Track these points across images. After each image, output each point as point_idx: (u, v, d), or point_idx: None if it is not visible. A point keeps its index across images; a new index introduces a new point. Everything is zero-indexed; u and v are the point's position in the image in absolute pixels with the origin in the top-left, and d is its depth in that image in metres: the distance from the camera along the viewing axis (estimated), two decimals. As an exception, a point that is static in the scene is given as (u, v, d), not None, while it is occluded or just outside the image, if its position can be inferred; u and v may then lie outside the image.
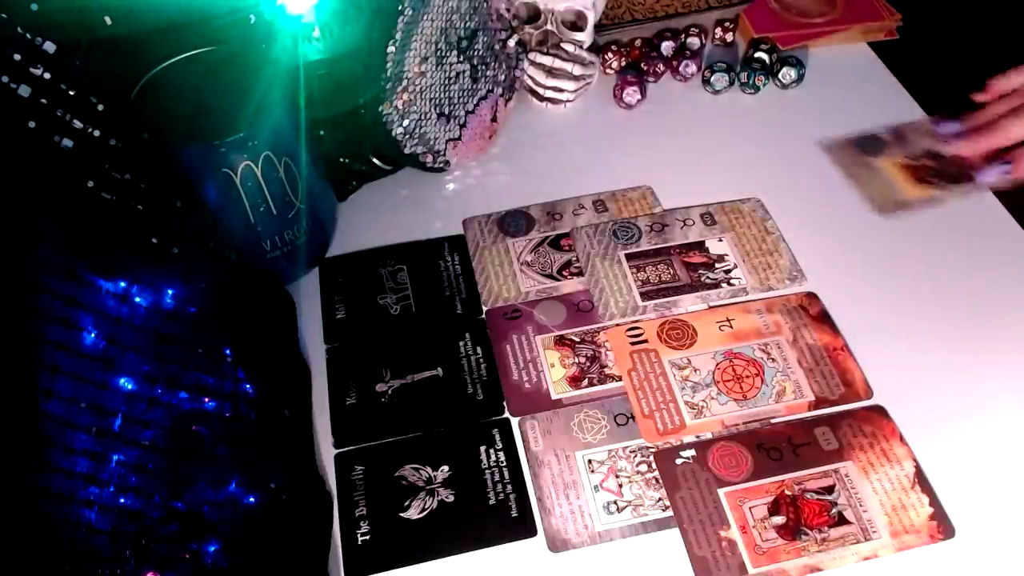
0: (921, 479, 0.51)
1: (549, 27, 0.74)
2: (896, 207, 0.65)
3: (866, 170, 0.67)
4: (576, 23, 0.75)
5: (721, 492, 0.51)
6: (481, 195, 0.69)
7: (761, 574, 0.48)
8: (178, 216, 0.52)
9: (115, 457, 0.45)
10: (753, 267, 0.63)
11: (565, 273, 0.63)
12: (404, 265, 0.64)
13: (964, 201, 0.65)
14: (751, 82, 0.76)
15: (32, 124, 0.47)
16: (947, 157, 0.65)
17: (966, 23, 0.62)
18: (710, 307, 0.61)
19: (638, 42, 0.78)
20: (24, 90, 0.46)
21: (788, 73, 0.75)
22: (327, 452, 0.54)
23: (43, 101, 0.47)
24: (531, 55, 0.73)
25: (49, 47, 0.47)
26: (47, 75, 0.47)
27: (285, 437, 0.52)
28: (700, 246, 0.64)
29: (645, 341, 0.58)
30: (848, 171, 0.68)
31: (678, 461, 0.53)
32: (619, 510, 0.51)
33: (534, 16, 0.75)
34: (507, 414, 0.56)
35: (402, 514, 0.51)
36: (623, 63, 0.78)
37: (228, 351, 0.50)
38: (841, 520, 0.50)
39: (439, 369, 0.58)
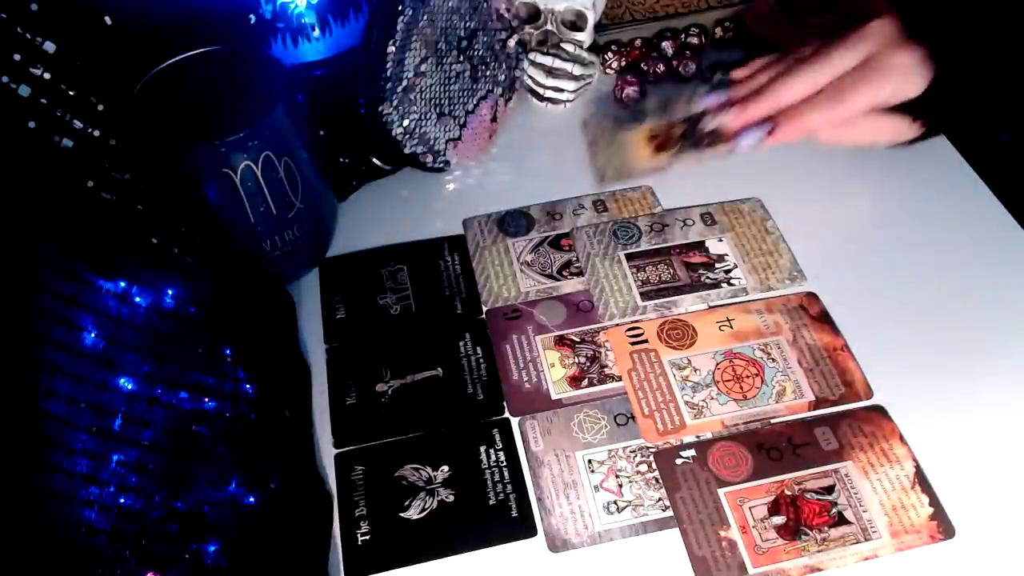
0: (921, 479, 0.51)
1: (549, 27, 0.74)
2: (618, 176, 0.67)
3: (608, 142, 0.67)
4: (576, 23, 0.75)
5: (721, 492, 0.51)
6: (481, 195, 0.69)
7: (761, 574, 0.48)
8: (178, 216, 0.52)
9: (115, 457, 0.45)
10: (753, 267, 0.63)
11: (565, 273, 0.63)
12: (404, 265, 0.64)
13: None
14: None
15: (32, 124, 0.47)
16: (699, 124, 0.63)
17: (966, 22, 0.61)
18: (710, 307, 0.61)
19: (638, 42, 0.78)
20: (24, 90, 0.46)
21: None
22: (327, 452, 0.54)
23: (43, 101, 0.47)
24: (531, 55, 0.73)
25: (49, 47, 0.47)
26: (47, 75, 0.47)
27: (285, 437, 0.52)
28: (700, 246, 0.64)
29: (645, 341, 0.58)
30: (592, 144, 0.69)
31: (678, 461, 0.53)
32: (619, 510, 0.51)
33: (534, 16, 0.75)
34: (507, 414, 0.56)
35: (402, 514, 0.51)
36: (623, 63, 0.78)
37: (228, 351, 0.50)
38: (841, 520, 0.50)
39: (439, 369, 0.58)
